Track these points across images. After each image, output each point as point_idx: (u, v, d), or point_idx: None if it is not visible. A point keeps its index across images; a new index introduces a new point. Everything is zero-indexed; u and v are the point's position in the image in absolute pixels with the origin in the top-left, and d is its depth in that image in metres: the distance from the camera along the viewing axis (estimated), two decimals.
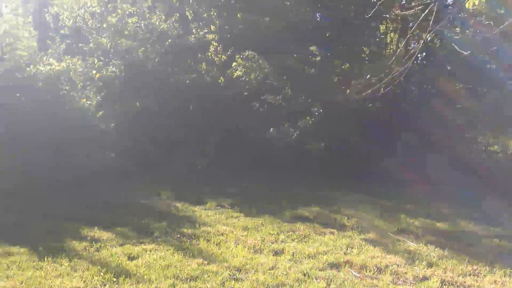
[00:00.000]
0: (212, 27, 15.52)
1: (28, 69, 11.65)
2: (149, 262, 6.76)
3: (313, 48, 15.54)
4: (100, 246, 7.35)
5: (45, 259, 6.54)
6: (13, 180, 10.38)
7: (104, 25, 14.38)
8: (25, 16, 12.35)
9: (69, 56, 12.89)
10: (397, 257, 7.50)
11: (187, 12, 15.87)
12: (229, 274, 6.40)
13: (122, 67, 13.87)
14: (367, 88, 7.83)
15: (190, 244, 7.71)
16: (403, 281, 6.68)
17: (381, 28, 17.44)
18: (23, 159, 10.91)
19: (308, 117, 14.14)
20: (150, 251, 7.26)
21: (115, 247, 7.37)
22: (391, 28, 17.33)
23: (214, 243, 7.82)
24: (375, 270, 6.92)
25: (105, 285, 5.85)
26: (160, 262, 6.77)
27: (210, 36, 15.38)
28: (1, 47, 11.72)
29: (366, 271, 6.87)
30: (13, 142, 11.04)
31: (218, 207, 10.55)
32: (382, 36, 17.44)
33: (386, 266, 7.07)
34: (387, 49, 17.39)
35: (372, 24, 16.47)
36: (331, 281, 6.40)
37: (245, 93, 14.91)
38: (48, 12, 15.64)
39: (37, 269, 6.20)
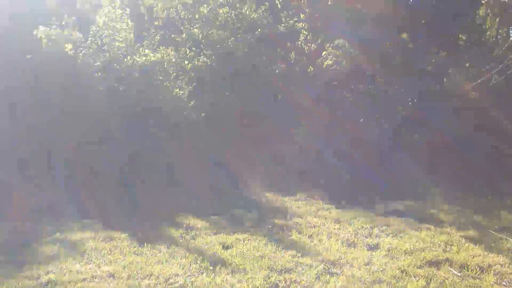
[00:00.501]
0: (302, 16, 15.34)
1: (125, 60, 12.06)
2: (243, 252, 6.80)
3: (404, 35, 14.94)
4: (195, 234, 7.50)
5: (145, 245, 6.76)
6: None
7: (196, 16, 14.61)
8: (122, 9, 12.74)
9: (163, 47, 13.22)
10: (500, 257, 7.06)
11: (276, 1, 15.79)
12: (324, 267, 6.30)
13: (213, 57, 14.03)
14: (475, 78, 7.31)
15: (282, 235, 7.69)
16: (508, 282, 6.27)
17: (480, 12, 16.36)
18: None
19: (401, 107, 13.64)
20: (244, 240, 7.32)
21: (210, 235, 7.49)
22: (490, 15, 16.20)
23: (306, 235, 7.75)
24: (477, 269, 6.54)
25: (202, 273, 5.94)
26: (253, 252, 6.79)
27: (300, 25, 15.22)
28: (101, 39, 12.20)
29: (468, 271, 6.52)
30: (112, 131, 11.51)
31: (308, 198, 10.45)
32: (480, 23, 16.36)
33: (489, 266, 6.68)
34: (487, 36, 16.31)
35: (469, 9, 15.49)
36: (430, 280, 6.13)
37: (335, 83, 14.62)
38: (142, 4, 16.11)
39: (137, 255, 6.41)
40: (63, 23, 11.95)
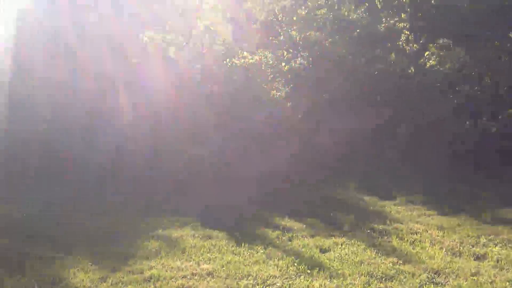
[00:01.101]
0: (403, 15, 14.84)
1: (224, 62, 12.33)
2: (341, 256, 6.62)
3: None
4: (292, 236, 7.42)
5: (242, 245, 6.79)
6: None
7: (294, 18, 14.60)
8: (223, 13, 13.05)
9: (261, 49, 13.35)
10: None
11: (376, 1, 15.39)
12: (427, 276, 5.97)
13: (310, 59, 13.95)
14: None
15: (382, 241, 7.41)
16: None
17: None
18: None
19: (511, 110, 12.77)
20: (341, 244, 7.13)
21: (307, 238, 7.38)
22: None
23: (407, 241, 7.41)
24: None
25: (299, 276, 5.85)
26: (352, 257, 6.59)
27: (401, 25, 14.73)
28: (202, 42, 12.57)
29: None
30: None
31: (408, 203, 10.03)
32: None
33: None
34: None
35: None
36: None
37: (438, 84, 13.98)
38: (242, 7, 16.37)
39: (235, 254, 6.45)
40: (167, 28, 12.48)
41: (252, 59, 12.55)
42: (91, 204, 8.86)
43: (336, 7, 14.64)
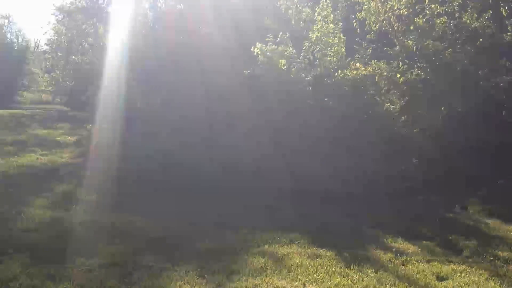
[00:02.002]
0: None
1: (335, 74, 12.03)
2: (461, 285, 6.06)
3: None
4: (406, 259, 6.93)
5: (351, 267, 6.43)
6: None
7: (411, 27, 13.94)
8: (335, 23, 12.78)
9: (374, 61, 12.89)
10: None
11: (501, 8, 14.26)
12: None
13: (428, 70, 13.22)
14: None
15: (507, 270, 6.69)
16: None
17: None
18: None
19: None
20: (461, 272, 6.52)
21: (422, 263, 6.85)
22: None
23: None
24: None
25: None
26: (472, 287, 5.99)
27: None
28: (313, 53, 12.38)
29: None
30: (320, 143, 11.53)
31: None
32: None
33: None
34: None
35: None
36: None
37: None
38: (355, 18, 16.00)
39: (343, 276, 6.10)
40: (278, 39, 12.44)
41: (365, 70, 12.13)
42: (205, 216, 8.91)
43: (457, 15, 13.77)
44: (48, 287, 5.36)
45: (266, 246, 7.22)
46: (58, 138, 17.68)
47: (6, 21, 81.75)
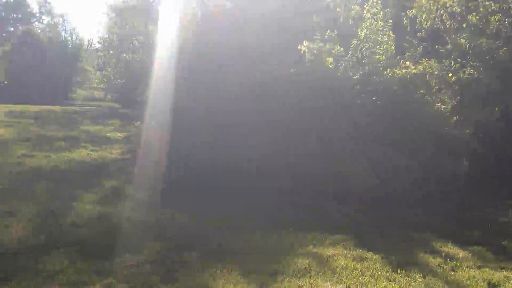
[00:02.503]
0: None
1: (384, 72, 11.77)
2: None
3: None
4: (456, 265, 6.70)
5: (398, 270, 6.26)
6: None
7: (464, 25, 13.50)
8: (384, 21, 12.50)
9: (425, 59, 12.53)
10: None
11: None
12: None
13: (481, 69, 12.76)
14: None
15: None
16: None
17: None
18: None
19: None
20: None
21: (473, 268, 6.61)
22: None
23: None
24: None
25: None
26: None
27: None
28: (361, 52, 12.16)
29: None
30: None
31: None
32: None
33: None
34: None
35: None
36: None
37: None
38: (405, 15, 15.61)
39: (390, 281, 5.95)
40: (326, 37, 12.26)
41: (415, 69, 11.80)
42: (249, 215, 8.89)
43: None
44: (94, 282, 5.46)
45: (311, 247, 7.14)
46: (108, 135, 18.05)
47: (61, 19, 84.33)
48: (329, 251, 6.96)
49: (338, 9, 15.43)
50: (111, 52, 38.91)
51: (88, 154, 13.44)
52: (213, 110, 12.61)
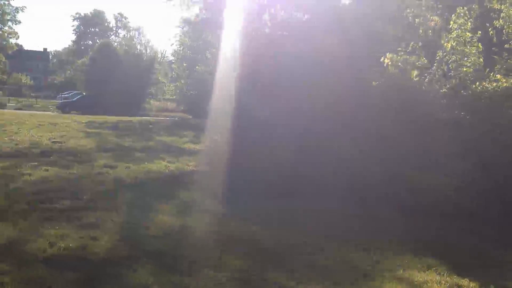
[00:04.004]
0: None
1: (473, 86, 11.17)
2: None
3: None
4: None
5: None
6: None
7: None
8: (473, 32, 11.90)
9: None
10: None
11: None
12: None
13: None
14: None
15: None
16: None
17: None
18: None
19: None
20: None
21: None
22: None
23: None
24: None
25: None
26: None
27: None
28: (447, 64, 11.62)
29: None
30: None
31: None
32: None
33: None
34: None
35: None
36: None
37: None
38: (491, 26, 14.86)
39: None
40: (409, 49, 11.83)
41: (506, 82, 11.12)
42: (326, 228, 8.60)
43: None
44: None
45: (401, 271, 6.74)
46: (183, 146, 18.29)
47: (137, 33, 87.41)
48: (422, 277, 6.53)
49: (417, 19, 14.92)
50: (184, 64, 39.80)
51: (166, 165, 13.59)
52: (283, 122, 12.46)
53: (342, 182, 10.60)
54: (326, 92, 12.15)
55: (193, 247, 7.12)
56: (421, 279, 6.43)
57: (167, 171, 13.03)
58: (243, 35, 15.67)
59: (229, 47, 16.86)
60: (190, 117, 36.33)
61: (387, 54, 11.42)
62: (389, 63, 11.39)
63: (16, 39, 49.56)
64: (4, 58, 46.44)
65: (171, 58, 52.20)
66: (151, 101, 51.44)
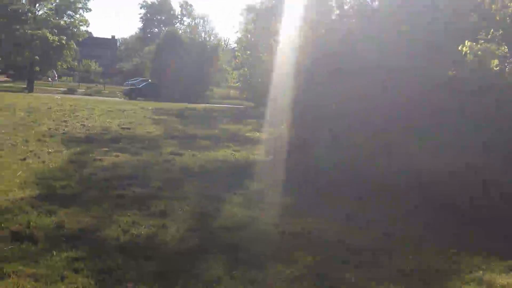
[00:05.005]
0: None
1: None
2: None
3: None
4: None
5: None
6: None
7: None
8: None
9: None
10: None
11: None
12: None
13: None
14: None
15: None
16: None
17: None
18: None
19: None
20: None
21: None
22: None
23: None
24: None
25: None
26: None
27: None
28: None
29: None
30: None
31: None
32: None
33: None
34: None
35: None
36: None
37: None
38: None
39: None
40: (489, 36, 11.14)
41: None
42: (400, 227, 8.25)
43: None
44: None
45: (480, 273, 6.34)
46: (247, 134, 18.28)
47: (201, 20, 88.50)
48: (503, 279, 6.11)
49: (493, 6, 14.07)
50: (248, 52, 39.81)
51: (231, 154, 13.58)
52: (350, 115, 12.10)
53: (417, 182, 10.08)
54: (393, 87, 11.66)
55: (263, 240, 7.00)
56: (502, 281, 5.99)
57: (232, 159, 13.01)
58: (308, 21, 15.38)
59: (293, 34, 16.62)
60: (253, 105, 36.34)
61: (466, 42, 10.79)
62: (468, 51, 10.76)
63: (87, 26, 51.26)
64: (75, 45, 48.08)
65: (235, 45, 52.42)
66: (214, 89, 51.97)
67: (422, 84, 11.40)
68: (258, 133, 18.37)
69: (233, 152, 13.85)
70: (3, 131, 14.52)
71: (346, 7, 16.71)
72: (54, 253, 5.74)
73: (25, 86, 46.46)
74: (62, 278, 5.12)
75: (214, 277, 5.57)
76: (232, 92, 49.87)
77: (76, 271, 5.34)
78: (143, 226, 7.00)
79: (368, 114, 11.86)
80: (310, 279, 5.72)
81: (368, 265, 6.34)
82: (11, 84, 50.60)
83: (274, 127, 16.80)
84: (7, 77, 63.26)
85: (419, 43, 12.33)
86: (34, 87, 45.79)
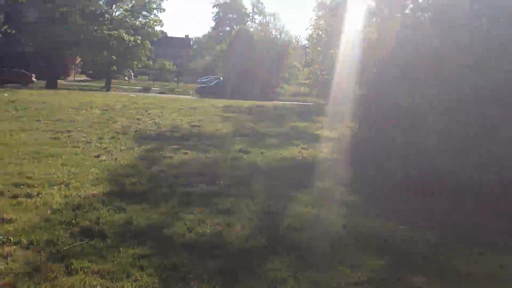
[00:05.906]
0: None
1: None
2: None
3: None
4: None
5: None
6: None
7: None
8: None
9: None
10: None
11: None
12: None
13: None
14: None
15: None
16: None
17: None
18: None
19: None
20: None
21: None
22: None
23: None
24: None
25: None
26: None
27: None
28: None
29: None
30: None
31: None
32: None
33: None
34: None
35: None
36: None
37: None
38: None
39: None
40: None
41: None
42: (477, 233, 7.82)
43: None
44: None
45: None
46: (317, 132, 18.05)
47: (272, 18, 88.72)
48: None
49: None
50: (319, 48, 39.36)
51: (299, 152, 13.44)
52: (429, 112, 11.56)
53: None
54: (476, 83, 11.02)
55: (329, 241, 6.83)
56: None
57: (300, 157, 12.87)
58: (386, 19, 14.96)
59: (364, 30, 16.24)
60: (323, 102, 35.94)
61: None
62: None
63: (161, 26, 52.60)
64: (150, 45, 49.51)
65: (305, 42, 52.09)
66: (285, 86, 51.89)
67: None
68: (327, 131, 18.10)
69: (301, 150, 13.70)
70: (79, 128, 15.14)
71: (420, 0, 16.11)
72: (121, 249, 5.86)
73: (103, 85, 48.44)
74: (128, 275, 5.20)
75: (278, 278, 5.49)
76: (302, 89, 49.64)
77: (141, 268, 5.41)
78: (209, 224, 7.02)
79: (442, 112, 11.31)
80: (375, 285, 5.50)
81: (437, 273, 6.02)
82: (90, 83, 52.93)
83: (343, 125, 16.49)
84: (87, 76, 66.37)
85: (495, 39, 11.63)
86: (111, 86, 47.65)
